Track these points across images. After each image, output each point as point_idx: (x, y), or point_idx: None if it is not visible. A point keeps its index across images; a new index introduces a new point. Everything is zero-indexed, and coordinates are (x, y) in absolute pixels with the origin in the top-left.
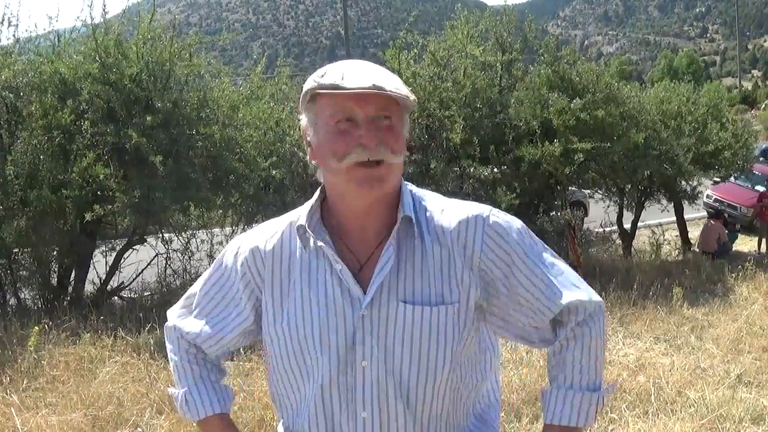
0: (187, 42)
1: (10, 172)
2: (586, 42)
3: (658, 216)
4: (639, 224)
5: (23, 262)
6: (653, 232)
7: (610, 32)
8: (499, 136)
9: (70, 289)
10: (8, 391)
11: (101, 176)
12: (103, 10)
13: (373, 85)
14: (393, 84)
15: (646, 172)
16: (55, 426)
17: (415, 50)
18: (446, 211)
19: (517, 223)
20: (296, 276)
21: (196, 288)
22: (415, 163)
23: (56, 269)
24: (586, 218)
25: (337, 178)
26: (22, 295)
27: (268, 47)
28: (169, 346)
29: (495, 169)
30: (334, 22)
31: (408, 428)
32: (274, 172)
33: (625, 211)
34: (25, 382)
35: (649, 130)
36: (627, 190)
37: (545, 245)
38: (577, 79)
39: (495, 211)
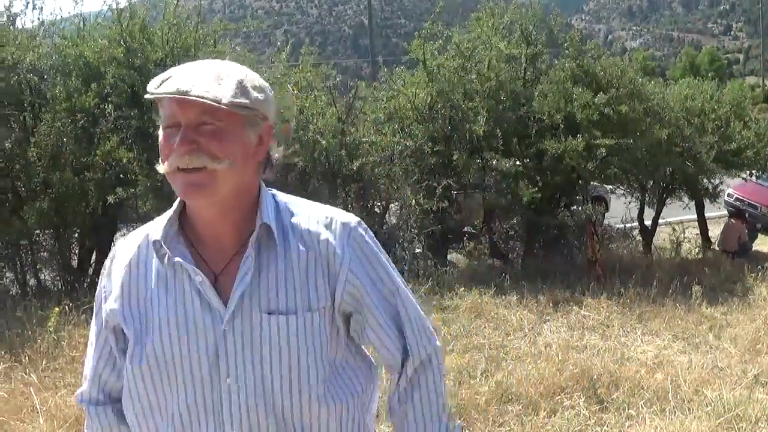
0: (212, 28)
1: (33, 154)
2: (609, 36)
3: (679, 213)
4: (660, 221)
5: (44, 243)
6: (674, 230)
7: (634, 27)
8: (522, 129)
9: (90, 271)
10: (27, 371)
11: (124, 160)
12: None
13: (177, 89)
14: (207, 88)
15: (668, 169)
16: (74, 406)
17: (440, 41)
18: (313, 215)
19: (375, 241)
20: (153, 292)
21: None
22: (438, 154)
23: (77, 251)
24: (606, 214)
25: (170, 181)
26: (42, 276)
27: (291, 35)
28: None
29: (517, 162)
30: (358, 12)
31: None
32: (296, 159)
33: (646, 208)
34: (44, 363)
35: (672, 126)
36: (649, 186)
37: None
38: (602, 73)
39: (362, 222)
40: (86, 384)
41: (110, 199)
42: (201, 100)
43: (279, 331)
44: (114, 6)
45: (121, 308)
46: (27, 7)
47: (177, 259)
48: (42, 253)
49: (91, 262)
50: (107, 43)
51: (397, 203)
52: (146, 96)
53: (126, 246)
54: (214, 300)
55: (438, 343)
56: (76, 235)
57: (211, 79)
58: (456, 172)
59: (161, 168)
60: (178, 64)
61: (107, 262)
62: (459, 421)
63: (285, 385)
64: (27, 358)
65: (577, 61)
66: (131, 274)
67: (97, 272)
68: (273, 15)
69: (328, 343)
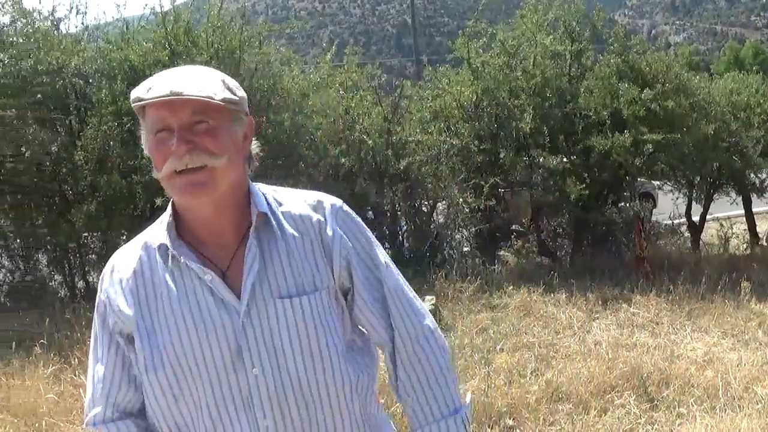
0: (256, 30)
1: (80, 157)
2: (653, 31)
3: (726, 209)
4: (707, 217)
5: (92, 246)
6: (722, 226)
7: (677, 22)
8: (568, 126)
9: None
10: (77, 373)
11: None
12: None
13: (171, 91)
14: (199, 87)
15: (715, 164)
16: None
17: (484, 39)
18: (300, 201)
19: (360, 220)
20: (164, 299)
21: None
22: (484, 153)
23: None
24: (654, 210)
25: (166, 188)
26: (90, 279)
27: (334, 36)
28: None
29: (564, 159)
30: (401, 11)
31: (313, 429)
32: (343, 159)
33: (693, 204)
34: None
35: (718, 121)
36: (696, 182)
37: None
38: (647, 69)
39: (345, 204)
40: (99, 407)
41: (158, 201)
42: (197, 98)
43: (294, 314)
44: (157, 9)
45: (134, 315)
46: (71, 11)
47: (183, 259)
48: (90, 256)
49: None
50: (152, 46)
51: (444, 202)
52: (135, 104)
53: (124, 257)
54: (227, 295)
55: (428, 322)
56: (124, 237)
57: (197, 80)
58: (503, 170)
59: (157, 174)
60: (224, 67)
61: (105, 275)
62: (469, 396)
63: (308, 366)
64: (76, 360)
65: (622, 57)
66: (137, 282)
67: None
68: (316, 16)
69: (341, 317)
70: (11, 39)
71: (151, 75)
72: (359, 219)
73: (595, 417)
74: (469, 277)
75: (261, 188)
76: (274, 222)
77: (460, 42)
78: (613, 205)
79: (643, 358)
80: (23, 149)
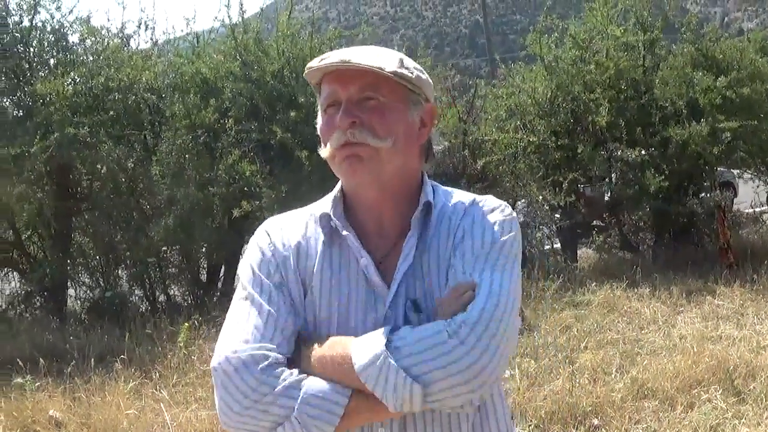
0: (327, 36)
1: (156, 171)
2: (726, 19)
3: None
4: None
5: (172, 259)
6: None
7: (750, 8)
8: (645, 118)
9: (219, 284)
10: (158, 387)
11: (247, 173)
12: (241, 8)
13: (341, 59)
14: (370, 58)
15: None
16: (205, 420)
17: (556, 34)
18: (461, 199)
19: (513, 228)
20: (318, 270)
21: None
22: (562, 148)
23: (205, 266)
24: (735, 199)
25: (332, 167)
26: (171, 292)
27: (407, 39)
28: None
29: (642, 151)
30: (473, 11)
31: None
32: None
33: None
34: (174, 378)
35: None
36: None
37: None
38: (721, 56)
39: (508, 210)
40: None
41: (235, 212)
42: (365, 67)
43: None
44: (227, 22)
45: (294, 281)
46: (139, 27)
47: (345, 232)
48: (170, 269)
49: (220, 275)
50: (223, 58)
51: (523, 200)
52: (305, 72)
53: (285, 224)
54: (378, 282)
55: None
56: (204, 249)
57: (371, 53)
58: (581, 165)
59: (323, 152)
60: (295, 75)
61: (265, 236)
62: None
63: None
64: (157, 374)
65: (696, 46)
66: (300, 250)
67: (227, 285)
68: (388, 20)
69: None
70: (81, 57)
71: (223, 87)
72: (509, 227)
73: (682, 413)
74: (551, 275)
75: (436, 185)
76: (434, 216)
77: (531, 38)
78: (693, 196)
79: (729, 350)
80: (99, 166)
